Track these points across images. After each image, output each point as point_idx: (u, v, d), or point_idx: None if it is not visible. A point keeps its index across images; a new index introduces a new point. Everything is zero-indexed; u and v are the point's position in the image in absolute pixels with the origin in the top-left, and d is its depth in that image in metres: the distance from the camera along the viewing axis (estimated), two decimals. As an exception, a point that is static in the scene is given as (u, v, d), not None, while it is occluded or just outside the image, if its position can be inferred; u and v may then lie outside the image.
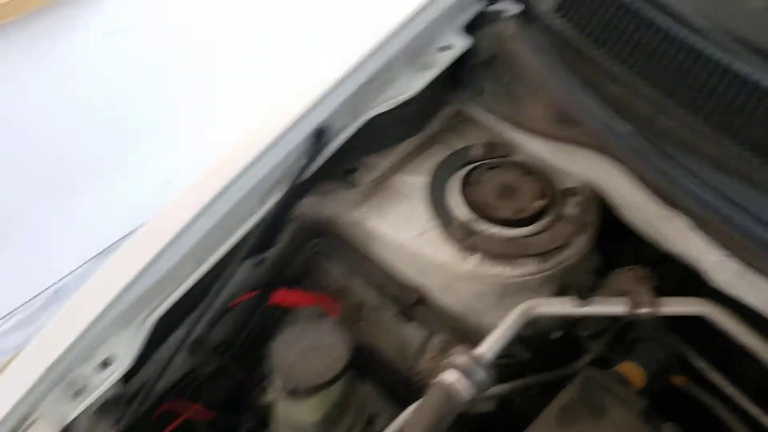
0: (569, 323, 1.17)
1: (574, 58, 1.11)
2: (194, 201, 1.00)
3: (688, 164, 0.94)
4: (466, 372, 0.92)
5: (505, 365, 1.07)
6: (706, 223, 0.91)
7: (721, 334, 1.03)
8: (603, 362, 1.16)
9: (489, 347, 0.96)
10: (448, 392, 0.91)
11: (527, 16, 1.18)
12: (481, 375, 0.92)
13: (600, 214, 1.13)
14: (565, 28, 1.13)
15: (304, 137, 1.06)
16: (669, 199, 0.96)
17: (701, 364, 1.15)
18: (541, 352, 1.13)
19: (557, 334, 1.16)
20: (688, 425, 0.99)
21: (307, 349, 0.97)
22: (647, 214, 1.05)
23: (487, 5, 1.24)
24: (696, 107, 0.98)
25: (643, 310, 1.02)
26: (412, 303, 1.10)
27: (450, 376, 0.92)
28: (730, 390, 1.11)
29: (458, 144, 1.24)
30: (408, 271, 1.13)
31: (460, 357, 0.94)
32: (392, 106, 1.14)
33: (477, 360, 0.93)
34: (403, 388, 1.14)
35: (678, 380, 1.13)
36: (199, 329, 1.11)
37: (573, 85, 1.05)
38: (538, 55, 1.10)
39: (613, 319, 1.18)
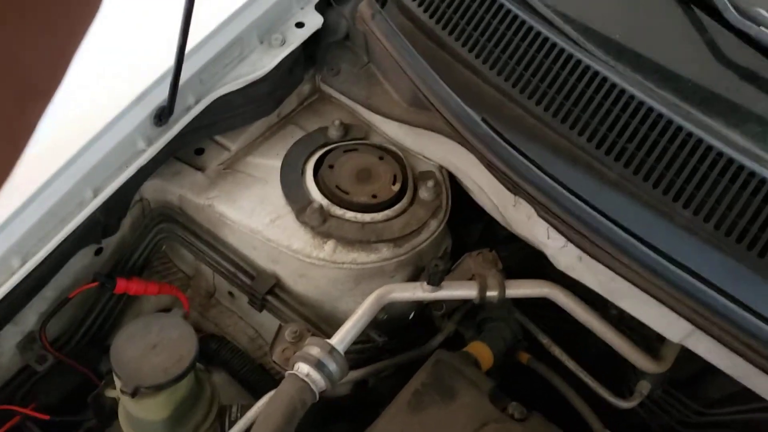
0: (423, 305, 1.18)
1: (428, 42, 1.11)
2: (19, 191, 0.90)
3: (532, 153, 0.97)
4: (318, 364, 0.91)
5: (360, 351, 1.07)
6: (546, 211, 0.95)
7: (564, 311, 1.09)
8: (455, 340, 1.19)
9: (342, 337, 0.95)
10: (301, 385, 0.89)
11: (381, -2, 1.16)
12: (333, 367, 0.92)
13: (451, 198, 1.15)
14: (419, 11, 1.12)
15: (142, 119, 0.99)
16: (513, 187, 0.98)
17: (544, 339, 1.21)
18: (396, 334, 1.14)
19: (411, 315, 1.18)
20: (533, 399, 1.04)
21: (151, 346, 0.92)
22: (495, 198, 1.08)
23: (343, -18, 1.20)
24: (541, 95, 1.01)
25: (491, 293, 1.05)
26: (266, 291, 1.07)
27: (302, 369, 0.91)
28: (571, 364, 1.18)
29: (314, 124, 1.20)
30: (261, 258, 1.09)
31: (312, 349, 0.92)
32: (242, 85, 1.09)
33: (329, 351, 0.92)
34: (257, 378, 1.11)
35: (523, 357, 1.18)
36: (31, 323, 1.03)
37: (425, 71, 1.05)
38: (391, 39, 1.09)
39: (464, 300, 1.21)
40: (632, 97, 0.97)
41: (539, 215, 0.97)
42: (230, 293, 1.19)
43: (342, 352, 0.93)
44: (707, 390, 1.23)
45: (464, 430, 0.94)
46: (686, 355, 1.12)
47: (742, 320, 0.84)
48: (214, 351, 1.14)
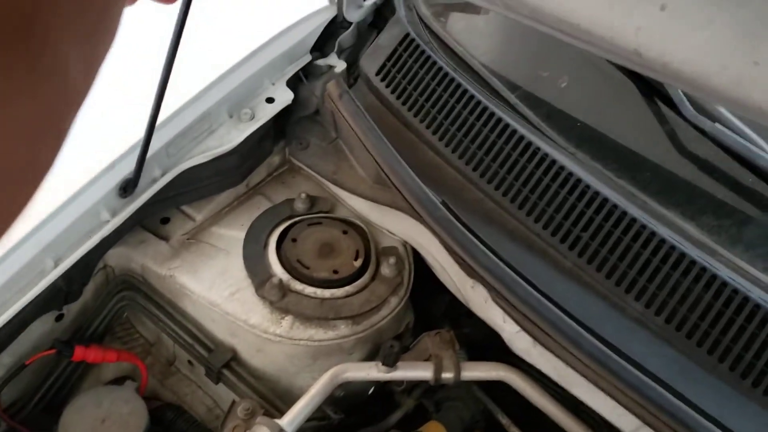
0: (382, 383, 1.18)
1: (394, 122, 1.13)
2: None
3: (489, 238, 0.98)
4: (265, 442, 0.90)
5: (315, 428, 1.06)
6: (501, 297, 0.95)
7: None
8: (415, 415, 1.18)
9: (292, 418, 0.95)
10: (246, 467, 0.89)
11: (354, 71, 1.18)
12: (281, 447, 0.91)
13: (413, 272, 1.16)
14: (385, 91, 1.15)
15: (107, 191, 1.00)
16: (470, 270, 0.99)
17: (504, 419, 1.20)
18: (354, 410, 1.14)
19: (370, 391, 1.17)
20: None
21: (100, 420, 0.92)
22: (456, 277, 1.09)
23: (316, 59, 1.23)
24: (500, 181, 1.03)
25: (447, 375, 1.05)
26: (222, 365, 1.07)
27: (250, 445, 0.90)
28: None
29: (282, 195, 1.22)
30: (219, 330, 1.09)
31: (261, 429, 0.92)
32: (209, 158, 1.11)
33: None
34: (212, 450, 1.10)
35: (480, 443, 1.17)
36: (-16, 391, 1.02)
37: (388, 152, 1.07)
38: (357, 119, 1.11)
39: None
40: (588, 186, 0.99)
41: (494, 300, 0.98)
42: (189, 362, 1.18)
43: (293, 428, 0.93)
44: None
45: None
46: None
47: (689, 419, 0.84)
48: (170, 420, 1.13)
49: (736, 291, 0.90)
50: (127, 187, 1.03)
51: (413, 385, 1.20)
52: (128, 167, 1.02)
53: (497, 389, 1.23)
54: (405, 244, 1.18)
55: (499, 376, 1.06)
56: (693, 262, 0.93)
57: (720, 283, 0.91)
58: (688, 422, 0.84)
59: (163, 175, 1.07)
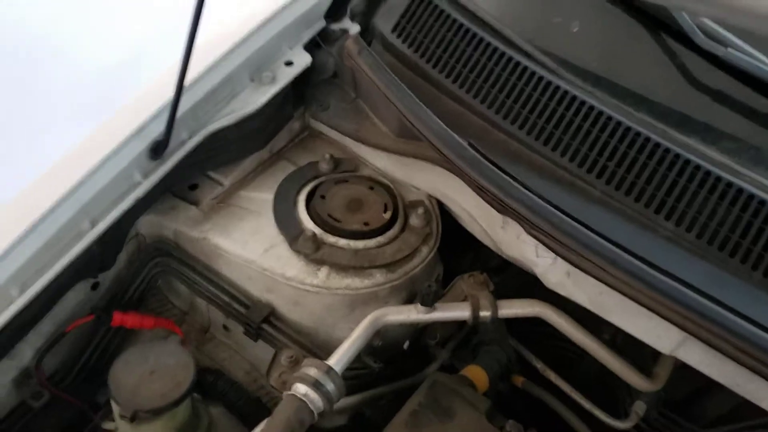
0: (417, 332, 1.19)
1: (413, 76, 1.16)
2: (18, 221, 0.92)
3: (517, 173, 1.00)
4: (315, 384, 0.91)
5: (356, 377, 1.07)
6: (534, 227, 0.97)
7: (556, 336, 1.10)
8: (450, 369, 1.19)
9: (338, 359, 0.96)
10: (299, 405, 0.90)
11: (368, 33, 1.21)
12: (331, 386, 0.92)
13: (440, 225, 1.18)
14: (402, 47, 1.17)
15: (138, 153, 1.02)
16: (501, 207, 1.01)
17: (538, 364, 1.22)
18: (392, 362, 1.15)
19: (406, 344, 1.19)
20: (530, 421, 1.04)
21: (148, 372, 0.92)
22: (484, 222, 1.11)
23: (330, 23, 1.26)
24: (523, 121, 1.05)
25: (484, 313, 1.06)
26: (261, 320, 1.08)
27: (299, 389, 0.91)
28: (566, 387, 1.18)
29: (305, 159, 1.24)
30: (256, 287, 1.11)
31: (309, 369, 0.93)
32: (234, 121, 1.12)
33: (326, 372, 0.93)
34: (254, 410, 1.11)
35: (518, 380, 1.18)
36: (27, 359, 1.03)
37: (411, 102, 1.09)
38: (378, 73, 1.13)
39: (459, 326, 1.22)
40: (610, 117, 1.02)
41: (528, 233, 1.00)
42: (225, 327, 1.19)
43: (339, 373, 0.94)
44: (703, 410, 1.23)
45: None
46: (680, 374, 1.14)
47: (729, 323, 0.86)
48: (210, 384, 1.14)
49: (762, 202, 0.93)
50: (158, 149, 1.05)
51: (447, 338, 1.22)
52: (157, 129, 1.04)
53: (529, 340, 1.25)
54: (430, 197, 1.20)
55: (535, 312, 1.08)
56: (718, 179, 0.95)
57: (747, 197, 0.94)
58: (730, 326, 0.86)
59: (191, 137, 1.09)
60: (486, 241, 1.15)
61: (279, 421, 0.89)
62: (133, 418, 0.89)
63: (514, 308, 1.08)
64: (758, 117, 1.05)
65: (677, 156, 0.98)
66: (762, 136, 1.04)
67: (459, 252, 1.30)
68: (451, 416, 0.98)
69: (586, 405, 1.17)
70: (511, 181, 0.99)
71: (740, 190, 0.94)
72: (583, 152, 1.01)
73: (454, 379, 1.06)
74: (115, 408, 0.91)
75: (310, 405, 0.90)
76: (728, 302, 0.88)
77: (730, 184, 0.95)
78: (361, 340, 1.00)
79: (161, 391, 0.91)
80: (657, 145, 0.99)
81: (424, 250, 1.13)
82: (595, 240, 0.93)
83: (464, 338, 1.23)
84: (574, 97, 1.04)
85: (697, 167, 0.97)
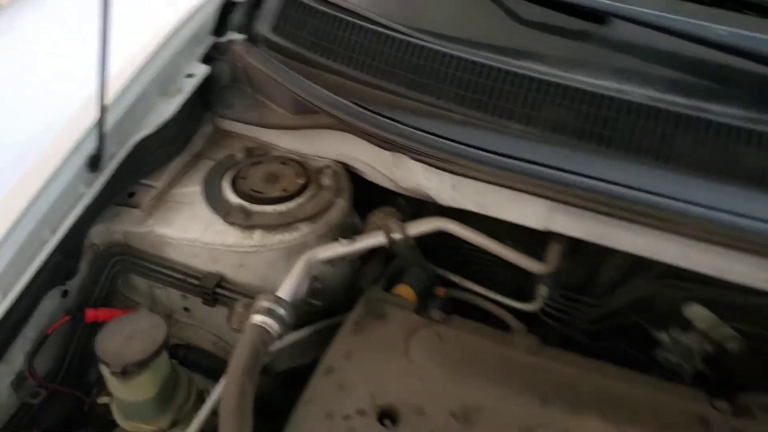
0: (353, 277, 1.40)
1: (297, 64, 1.38)
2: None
3: (394, 116, 1.23)
4: (268, 311, 1.10)
5: (304, 313, 1.27)
6: (416, 152, 1.20)
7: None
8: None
9: (283, 292, 1.16)
10: (259, 330, 1.08)
11: (252, 40, 1.43)
12: (282, 312, 1.11)
13: (350, 182, 1.39)
14: (284, 42, 1.40)
15: (78, 167, 1.20)
16: (388, 145, 1.23)
17: (456, 278, 1.44)
18: (332, 304, 1.35)
19: (343, 288, 1.39)
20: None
21: (127, 336, 1.09)
22: (382, 167, 1.33)
23: (218, 38, 1.47)
24: (390, 76, 1.28)
25: (396, 235, 1.28)
26: (214, 286, 1.26)
27: (256, 318, 1.10)
28: (480, 288, 1.42)
29: (222, 154, 1.44)
30: (202, 262, 1.29)
31: (261, 302, 1.12)
32: (153, 130, 1.32)
33: (276, 301, 1.12)
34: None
35: (440, 291, 1.40)
36: (19, 363, 1.18)
37: (300, 81, 1.31)
38: (267, 65, 1.35)
39: (384, 268, 1.43)
40: (459, 58, 1.26)
41: (414, 159, 1.22)
42: (186, 309, 1.36)
43: (287, 300, 1.14)
44: (599, 284, 1.48)
45: (398, 338, 1.15)
46: (573, 263, 1.39)
47: (577, 182, 1.10)
48: (183, 356, 1.31)
49: (585, 92, 1.19)
50: (94, 162, 1.23)
51: (377, 277, 1.43)
52: (91, 146, 1.22)
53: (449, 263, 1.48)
54: (335, 162, 1.42)
55: (438, 227, 1.31)
56: (549, 83, 1.20)
57: (573, 91, 1.19)
58: (578, 184, 1.10)
59: (120, 149, 1.27)
60: (387, 184, 1.37)
61: (245, 345, 1.07)
62: (124, 373, 1.06)
63: (420, 227, 1.31)
64: (571, 34, 1.32)
65: (514, 74, 1.23)
66: (574, 48, 1.31)
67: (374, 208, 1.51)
68: (386, 318, 1.19)
69: (500, 298, 1.40)
70: (390, 122, 1.22)
71: (567, 87, 1.20)
72: (444, 89, 1.25)
73: (385, 293, 1.27)
74: (105, 370, 1.07)
75: (268, 329, 1.09)
76: (573, 169, 1.12)
77: (557, 85, 1.20)
78: (301, 275, 1.20)
79: (142, 347, 1.08)
80: (497, 69, 1.23)
81: (340, 202, 1.35)
82: (464, 149, 1.16)
83: (390, 278, 1.44)
84: (425, 48, 1.28)
85: (531, 78, 1.22)
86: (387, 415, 1.04)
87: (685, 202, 1.07)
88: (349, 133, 1.30)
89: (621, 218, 1.11)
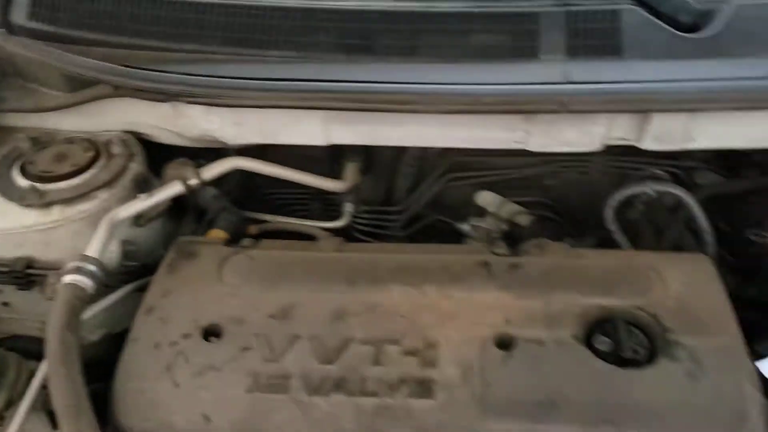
0: (167, 237, 1.45)
1: (62, 44, 1.40)
2: None
3: (163, 68, 1.29)
4: (77, 269, 1.14)
5: (121, 273, 1.31)
6: (194, 96, 1.27)
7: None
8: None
9: (91, 250, 1.20)
10: (72, 287, 1.12)
11: (10, 30, 1.43)
12: (92, 267, 1.15)
13: (141, 147, 1.44)
14: (42, 27, 1.41)
15: None
16: (164, 96, 1.29)
17: (267, 217, 1.54)
18: (149, 264, 1.39)
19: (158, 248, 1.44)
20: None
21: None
22: (165, 123, 1.39)
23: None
24: (158, 34, 1.33)
25: (192, 181, 1.35)
26: (24, 269, 1.27)
27: (67, 278, 1.13)
28: (292, 220, 1.52)
29: (6, 150, 1.44)
30: (6, 250, 1.29)
31: (69, 265, 1.15)
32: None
33: (83, 258, 1.16)
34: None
35: (253, 229, 1.48)
36: None
37: (65, 56, 1.34)
38: (30, 49, 1.36)
39: (199, 223, 1.50)
40: (205, 4, 1.33)
41: (190, 103, 1.29)
42: (4, 303, 1.36)
43: (95, 257, 1.18)
44: (395, 193, 1.63)
45: (212, 268, 1.22)
46: (368, 174, 1.52)
47: (340, 87, 1.22)
48: (11, 348, 1.31)
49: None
50: None
51: (192, 233, 1.49)
52: None
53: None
54: (123, 132, 1.46)
55: (231, 166, 1.40)
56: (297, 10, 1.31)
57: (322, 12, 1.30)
58: (345, 89, 1.22)
59: None
60: (176, 140, 1.43)
61: (59, 303, 1.10)
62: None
63: (214, 169, 1.39)
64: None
65: (265, 8, 1.32)
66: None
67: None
68: (198, 255, 1.26)
69: (310, 223, 1.51)
70: (159, 73, 1.28)
71: (314, 10, 1.31)
72: (204, 35, 1.32)
73: (195, 237, 1.34)
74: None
75: (80, 285, 1.13)
76: (335, 78, 1.24)
77: (305, 10, 1.31)
78: (105, 235, 1.24)
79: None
80: (249, 7, 1.32)
81: (134, 165, 1.39)
82: (231, 81, 1.25)
83: (205, 229, 1.51)
84: (178, 2, 1.34)
85: (284, 8, 1.31)
86: (211, 333, 1.12)
87: (432, 84, 1.22)
88: (127, 98, 1.35)
89: (385, 111, 1.24)
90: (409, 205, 1.61)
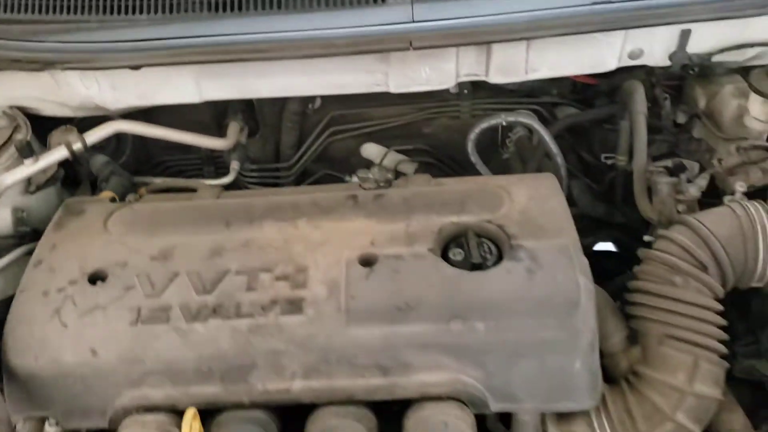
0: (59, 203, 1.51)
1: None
2: None
3: (41, 38, 1.35)
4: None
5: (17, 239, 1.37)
6: (68, 62, 1.33)
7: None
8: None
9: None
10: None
11: None
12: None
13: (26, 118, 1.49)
14: None
15: None
16: (40, 65, 1.35)
17: (158, 180, 1.61)
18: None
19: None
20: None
21: None
22: (49, 95, 1.45)
23: None
24: (31, 6, 1.39)
25: (77, 146, 1.42)
26: None
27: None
28: (180, 180, 1.60)
29: None
30: None
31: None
32: None
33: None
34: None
35: (142, 191, 1.55)
36: None
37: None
38: None
39: (93, 191, 1.56)
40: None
41: (66, 69, 1.35)
42: None
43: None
44: (283, 151, 1.72)
45: (97, 222, 1.29)
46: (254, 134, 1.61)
47: (209, 41, 1.29)
48: None
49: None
50: None
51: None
52: None
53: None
54: (7, 107, 1.50)
55: (114, 128, 1.46)
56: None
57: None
58: (213, 42, 1.30)
59: None
60: (60, 111, 1.49)
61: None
62: None
63: (96, 133, 1.45)
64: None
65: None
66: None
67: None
68: (85, 212, 1.33)
69: (195, 180, 1.59)
70: (34, 43, 1.34)
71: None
72: (77, 3, 1.39)
73: (83, 197, 1.41)
74: None
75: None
76: (205, 33, 1.31)
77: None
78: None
79: None
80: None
81: (17, 135, 1.44)
82: (103, 45, 1.32)
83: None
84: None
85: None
86: (96, 277, 1.19)
87: (291, 32, 1.30)
88: (6, 71, 1.40)
89: (249, 60, 1.32)
90: (296, 161, 1.70)
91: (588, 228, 1.61)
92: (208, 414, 1.10)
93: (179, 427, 1.06)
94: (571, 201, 1.72)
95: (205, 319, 1.12)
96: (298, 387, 1.09)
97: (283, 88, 1.40)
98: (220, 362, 1.10)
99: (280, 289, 1.15)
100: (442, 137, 1.73)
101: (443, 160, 1.75)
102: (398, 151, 1.75)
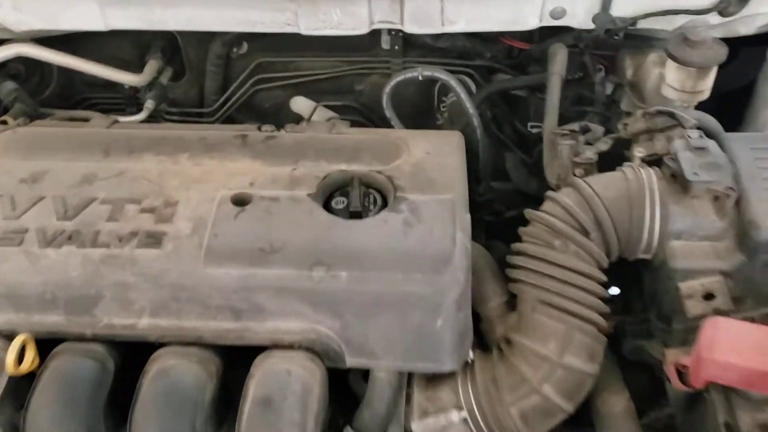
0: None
1: None
2: None
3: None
4: None
5: None
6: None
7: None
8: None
9: None
10: None
11: None
12: None
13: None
14: None
15: None
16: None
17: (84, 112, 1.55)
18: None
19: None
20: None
21: None
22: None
23: None
24: None
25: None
26: None
27: None
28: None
29: None
30: None
31: None
32: None
33: None
34: None
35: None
36: None
37: None
38: None
39: None
40: None
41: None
42: None
43: None
44: (208, 98, 1.66)
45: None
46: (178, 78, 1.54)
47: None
48: None
49: None
50: None
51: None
52: None
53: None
54: None
55: (16, 52, 1.40)
56: None
57: None
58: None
59: None
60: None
61: None
62: None
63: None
64: None
65: None
66: None
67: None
68: None
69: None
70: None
71: None
72: None
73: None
74: None
75: None
76: None
77: None
78: None
79: None
80: None
81: None
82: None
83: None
84: None
85: None
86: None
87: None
88: None
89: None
90: (219, 106, 1.64)
91: (520, 202, 1.55)
92: (54, 345, 1.05)
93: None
94: (505, 175, 1.67)
95: (59, 245, 1.06)
96: (144, 324, 1.03)
97: (190, 21, 1.34)
98: (66, 290, 1.03)
99: (143, 221, 1.09)
100: (372, 95, 1.66)
101: (373, 119, 1.68)
102: (328, 107, 1.69)
